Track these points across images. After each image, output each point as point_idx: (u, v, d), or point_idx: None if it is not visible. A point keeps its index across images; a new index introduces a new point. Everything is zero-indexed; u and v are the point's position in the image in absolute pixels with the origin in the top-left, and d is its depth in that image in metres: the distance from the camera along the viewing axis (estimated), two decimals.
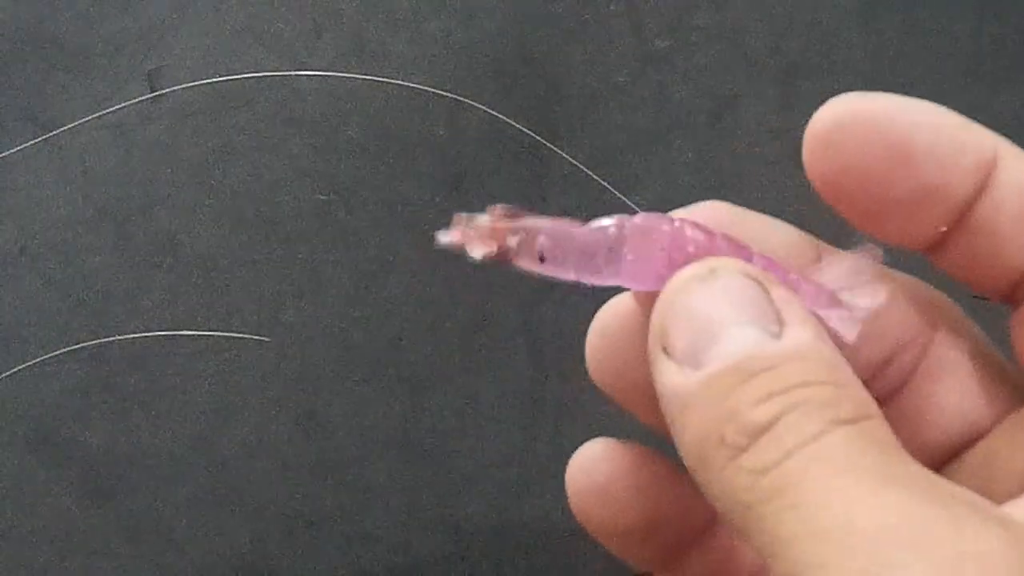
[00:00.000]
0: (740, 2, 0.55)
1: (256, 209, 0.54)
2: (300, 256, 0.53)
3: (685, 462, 0.22)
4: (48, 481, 0.52)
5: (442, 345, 0.53)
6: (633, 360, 0.25)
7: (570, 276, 0.24)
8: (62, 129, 0.55)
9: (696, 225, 0.23)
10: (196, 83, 0.56)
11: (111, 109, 0.55)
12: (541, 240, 0.23)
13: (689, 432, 0.21)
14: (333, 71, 0.55)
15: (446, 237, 0.24)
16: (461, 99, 0.54)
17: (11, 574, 0.52)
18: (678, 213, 0.24)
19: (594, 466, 0.27)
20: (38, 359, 0.53)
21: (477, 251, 0.23)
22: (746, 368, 0.20)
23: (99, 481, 0.52)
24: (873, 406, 0.21)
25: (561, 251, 0.23)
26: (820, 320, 0.23)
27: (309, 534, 0.51)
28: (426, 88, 0.54)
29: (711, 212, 0.25)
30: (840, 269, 0.24)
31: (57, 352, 0.53)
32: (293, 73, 0.55)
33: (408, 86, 0.55)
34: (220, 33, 0.56)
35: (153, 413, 0.53)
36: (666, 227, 0.23)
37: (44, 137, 0.55)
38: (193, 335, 0.53)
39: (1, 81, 0.56)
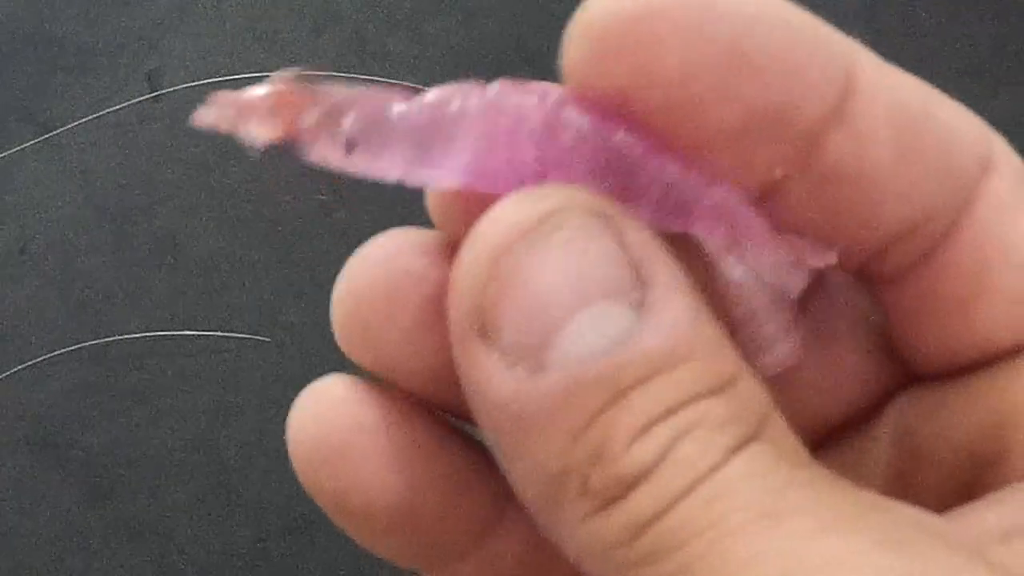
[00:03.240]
0: None
1: (256, 209, 0.54)
2: (300, 256, 0.53)
3: (519, 494, 0.16)
4: (48, 481, 0.52)
5: None
6: (415, 327, 0.18)
7: (393, 172, 0.16)
8: (62, 129, 0.55)
9: (586, 103, 0.16)
10: (196, 83, 0.56)
11: (111, 109, 0.55)
12: (350, 120, 0.16)
13: (529, 464, 0.15)
14: (333, 71, 0.55)
15: (209, 115, 0.16)
16: None
17: (11, 574, 0.52)
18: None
19: (330, 409, 0.19)
20: (38, 359, 0.53)
21: (256, 133, 0.16)
22: (613, 381, 0.15)
23: (99, 481, 0.52)
24: (767, 395, 0.16)
25: (379, 136, 0.16)
26: (754, 268, 0.17)
27: (309, 534, 0.51)
28: (426, 88, 0.54)
29: (636, 68, 0.16)
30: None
31: (57, 352, 0.53)
32: None
33: (408, 86, 0.55)
34: (220, 33, 0.56)
35: (153, 413, 0.53)
36: (534, 107, 0.16)
37: (44, 137, 0.55)
38: (193, 335, 0.53)
39: (1, 81, 0.56)
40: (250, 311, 0.53)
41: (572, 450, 0.15)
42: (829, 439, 0.19)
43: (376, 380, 0.19)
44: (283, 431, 0.19)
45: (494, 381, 0.15)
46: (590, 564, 0.15)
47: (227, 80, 0.55)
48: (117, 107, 0.55)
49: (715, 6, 0.15)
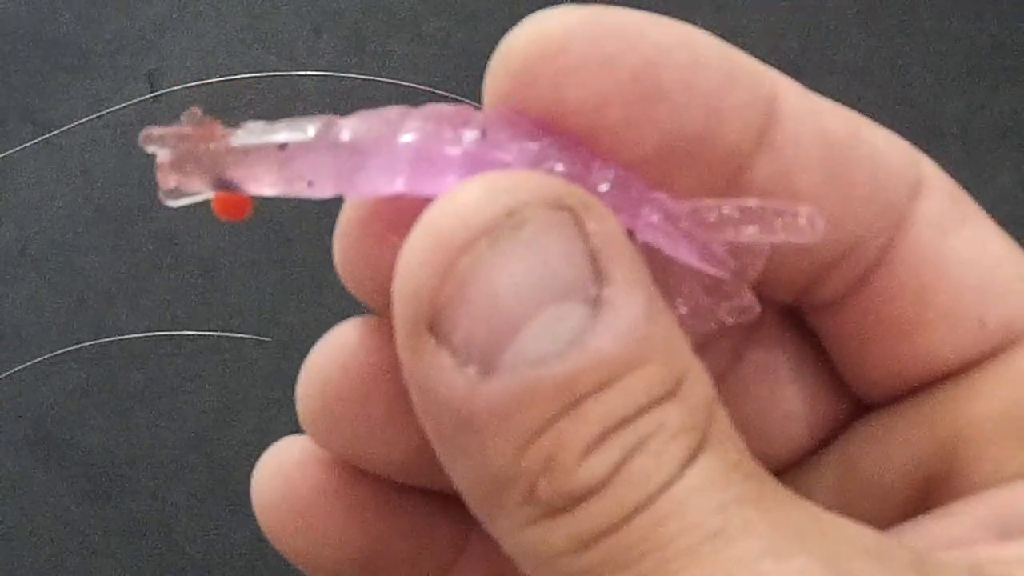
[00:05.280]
0: (740, 2, 0.55)
1: (256, 209, 0.54)
2: (300, 256, 0.53)
3: (456, 484, 0.16)
4: (48, 481, 0.52)
5: None
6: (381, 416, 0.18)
7: (325, 192, 0.17)
8: (62, 129, 0.55)
9: (514, 121, 0.16)
10: (196, 83, 0.56)
11: (111, 109, 0.55)
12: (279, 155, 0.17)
13: (471, 464, 0.15)
14: (333, 71, 0.55)
15: (174, 197, 0.17)
16: (461, 99, 0.54)
17: (11, 574, 0.52)
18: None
19: (291, 473, 0.19)
20: (38, 359, 0.53)
21: (192, 185, 0.17)
22: (567, 388, 0.14)
23: (99, 481, 0.52)
24: (710, 384, 0.15)
25: (307, 161, 0.17)
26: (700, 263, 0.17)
27: None
28: (426, 88, 0.54)
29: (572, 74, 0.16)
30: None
31: (57, 352, 0.53)
32: (293, 73, 0.55)
33: (408, 86, 0.55)
34: (220, 33, 0.56)
35: (153, 413, 0.53)
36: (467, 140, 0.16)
37: (44, 137, 0.55)
38: (193, 335, 0.53)
39: (1, 81, 0.56)
40: (250, 311, 0.53)
41: (521, 458, 0.14)
42: (776, 474, 0.19)
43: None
44: (283, 431, 0.19)
45: (442, 379, 0.15)
46: (530, 566, 0.15)
47: (227, 80, 0.55)
48: (117, 107, 0.55)
49: (626, 37, 0.16)
